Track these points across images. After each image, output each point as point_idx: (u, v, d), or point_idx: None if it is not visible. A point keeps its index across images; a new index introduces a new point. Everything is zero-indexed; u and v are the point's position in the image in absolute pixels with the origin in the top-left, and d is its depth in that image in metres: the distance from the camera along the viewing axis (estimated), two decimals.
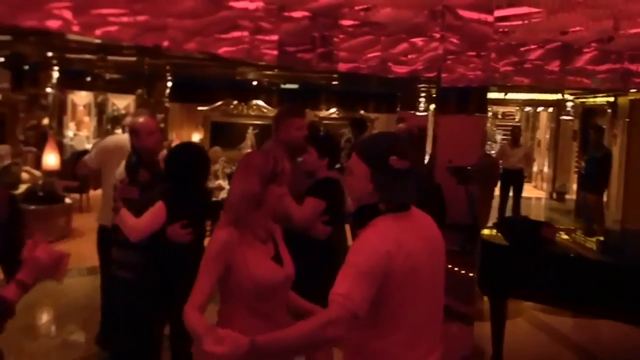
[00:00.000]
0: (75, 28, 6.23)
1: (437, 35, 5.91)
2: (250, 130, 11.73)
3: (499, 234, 4.70)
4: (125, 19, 6.08)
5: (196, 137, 12.36)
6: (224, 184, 9.33)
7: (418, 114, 12.01)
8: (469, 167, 4.81)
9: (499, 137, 17.75)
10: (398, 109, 12.50)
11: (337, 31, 6.36)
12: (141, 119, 3.71)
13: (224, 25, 6.30)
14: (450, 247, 4.71)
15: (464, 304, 4.66)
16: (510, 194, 10.09)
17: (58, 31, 7.05)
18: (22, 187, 8.11)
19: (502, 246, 4.49)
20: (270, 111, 11.84)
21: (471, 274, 4.67)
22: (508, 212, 10.04)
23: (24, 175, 8.74)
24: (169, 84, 11.91)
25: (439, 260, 2.04)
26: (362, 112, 12.49)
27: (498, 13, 5.22)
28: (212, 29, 6.59)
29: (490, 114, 18.48)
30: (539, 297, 4.44)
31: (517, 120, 18.54)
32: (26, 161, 9.72)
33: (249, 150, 11.41)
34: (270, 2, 4.90)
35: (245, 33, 6.77)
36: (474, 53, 5.06)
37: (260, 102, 11.95)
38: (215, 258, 2.20)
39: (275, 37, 6.73)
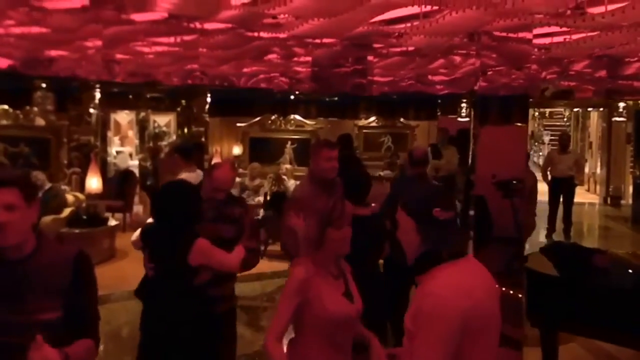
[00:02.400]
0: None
1: (474, 53, 5.72)
2: (288, 145, 11.71)
3: (547, 261, 4.50)
4: (160, 49, 6.15)
5: (236, 150, 12.42)
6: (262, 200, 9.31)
7: (460, 119, 11.70)
8: (514, 182, 4.65)
9: (546, 138, 17.08)
10: (438, 115, 12.20)
11: (371, 53, 6.22)
12: (221, 168, 3.80)
13: (255, 53, 6.27)
14: (497, 267, 4.64)
15: (512, 326, 4.47)
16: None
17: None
18: (67, 211, 8.29)
19: (551, 276, 4.30)
20: (308, 125, 11.78)
21: (520, 295, 4.49)
22: (558, 222, 9.68)
23: (69, 199, 8.95)
24: (208, 99, 12.00)
25: (497, 304, 2.05)
26: (402, 120, 12.27)
27: (538, 31, 4.96)
28: (244, 56, 6.58)
29: (536, 113, 17.87)
30: (593, 332, 4.22)
31: (565, 119, 17.87)
32: (71, 183, 9.96)
33: (287, 166, 11.38)
34: (302, 36, 4.81)
35: (278, 59, 6.73)
36: (513, 68, 4.86)
37: (298, 117, 11.89)
38: (293, 293, 2.41)
39: (308, 60, 6.67)
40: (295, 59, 6.65)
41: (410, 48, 5.72)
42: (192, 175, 4.61)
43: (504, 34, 4.72)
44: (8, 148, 9.98)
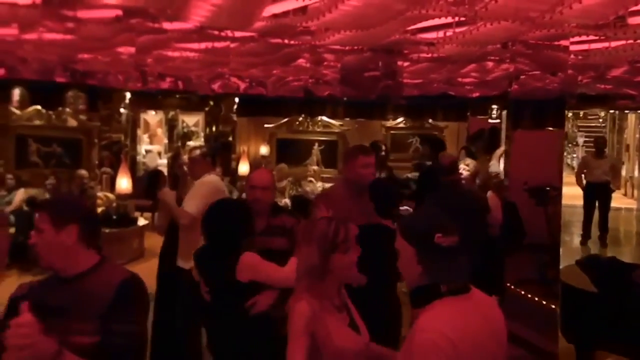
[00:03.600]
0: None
1: (508, 59, 5.61)
2: (315, 147, 11.67)
3: (583, 275, 4.38)
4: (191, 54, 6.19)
5: (263, 150, 12.46)
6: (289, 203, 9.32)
7: (490, 121, 11.48)
8: (548, 188, 4.53)
9: (580, 140, 16.58)
10: (468, 116, 11.98)
11: (401, 59, 6.15)
12: (258, 174, 3.72)
13: (284, 59, 6.26)
14: (530, 275, 4.53)
15: (546, 339, 4.37)
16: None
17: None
18: (98, 211, 8.42)
19: (588, 292, 4.17)
20: (335, 126, 11.72)
21: (553, 306, 4.39)
22: (594, 228, 9.45)
23: (99, 199, 9.09)
24: (237, 99, 12.05)
25: (501, 342, 1.91)
26: (430, 121, 12.13)
27: (576, 38, 4.82)
28: (273, 62, 6.57)
29: (570, 114, 17.44)
30: (632, 352, 4.05)
31: (600, 120, 17.39)
32: (102, 183, 10.10)
33: (315, 168, 11.37)
34: (332, 43, 4.78)
35: (307, 64, 6.70)
36: (548, 73, 4.73)
37: (325, 118, 11.84)
38: (303, 332, 2.15)
39: (336, 65, 6.62)
40: (325, 63, 6.62)
41: (442, 55, 5.64)
42: (215, 178, 4.56)
43: (539, 42, 4.61)
44: (41, 148, 10.16)
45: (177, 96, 12.06)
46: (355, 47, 5.91)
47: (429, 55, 5.74)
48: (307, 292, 2.22)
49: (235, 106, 12.23)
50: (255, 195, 3.47)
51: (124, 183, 8.65)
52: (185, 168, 5.04)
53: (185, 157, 5.95)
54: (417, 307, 1.83)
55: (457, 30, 4.15)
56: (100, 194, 9.37)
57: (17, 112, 10.92)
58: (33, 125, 10.33)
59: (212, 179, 4.44)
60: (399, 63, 6.36)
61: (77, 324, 2.02)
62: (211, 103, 12.27)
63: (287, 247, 3.32)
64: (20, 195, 8.48)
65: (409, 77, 7.52)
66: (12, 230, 8.01)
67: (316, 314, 2.17)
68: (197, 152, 4.55)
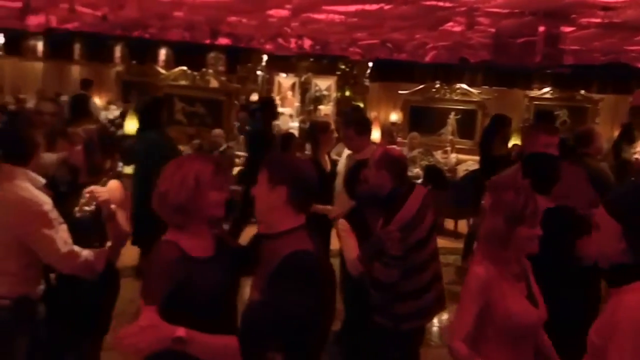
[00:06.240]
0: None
1: None
2: (452, 116, 11.10)
3: None
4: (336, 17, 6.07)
5: (394, 117, 12.17)
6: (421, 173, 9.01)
7: None
8: None
9: None
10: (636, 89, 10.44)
11: (567, 24, 5.58)
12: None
13: (434, 22, 5.93)
14: None
15: None
16: None
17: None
18: (235, 170, 8.71)
19: None
20: (475, 95, 11.06)
21: None
22: None
23: (237, 158, 9.39)
24: (370, 63, 11.81)
25: None
26: (582, 92, 10.96)
27: None
28: (421, 26, 6.26)
29: None
30: None
31: None
32: (239, 143, 10.44)
33: (450, 137, 10.89)
34: (491, 6, 4.40)
35: (458, 28, 6.31)
36: None
37: (464, 86, 11.22)
38: (476, 293, 2.21)
39: (490, 31, 6.17)
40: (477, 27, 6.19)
41: (617, 20, 5.02)
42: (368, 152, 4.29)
43: None
44: (185, 107, 10.66)
45: (311, 59, 12.05)
46: (515, 10, 5.45)
47: (601, 20, 5.14)
48: (487, 257, 2.25)
49: (369, 71, 12.00)
50: None
51: None
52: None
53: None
54: (616, 285, 1.80)
55: None
56: (239, 153, 9.68)
57: (164, 72, 11.54)
58: (179, 85, 10.86)
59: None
60: (562, 29, 5.78)
61: (257, 278, 2.10)
62: (342, 67, 12.13)
63: None
64: None
65: (568, 44, 6.85)
66: None
67: (492, 279, 2.21)
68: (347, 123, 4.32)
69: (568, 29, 5.89)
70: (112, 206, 2.85)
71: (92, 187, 2.86)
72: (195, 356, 1.84)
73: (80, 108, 9.04)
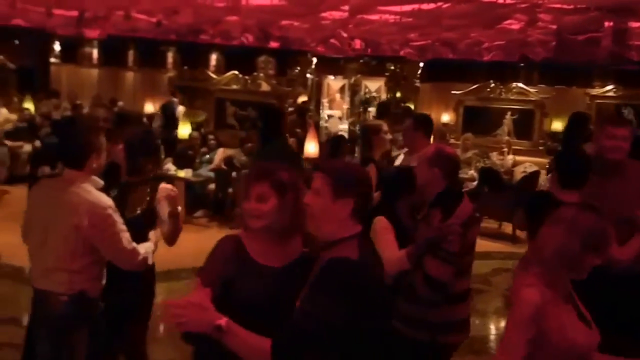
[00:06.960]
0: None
1: None
2: (508, 116, 10.76)
3: None
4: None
5: (445, 117, 11.94)
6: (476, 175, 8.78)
7: None
8: None
9: None
10: None
11: (634, 19, 5.30)
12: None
13: (492, 20, 5.74)
14: None
15: None
16: None
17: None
18: None
19: None
20: (532, 94, 10.70)
21: None
22: None
23: None
24: (421, 63, 11.62)
25: None
26: None
27: None
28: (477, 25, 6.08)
29: None
30: None
31: None
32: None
33: (506, 138, 10.57)
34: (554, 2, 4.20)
35: (516, 26, 6.10)
36: None
37: (521, 84, 10.86)
38: (529, 321, 2.01)
39: (552, 28, 5.94)
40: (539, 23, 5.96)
41: None
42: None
43: None
44: (237, 111, 10.78)
45: (361, 61, 11.96)
46: (579, 6, 5.21)
47: None
48: (545, 280, 2.06)
49: (420, 71, 11.81)
50: None
51: (311, 147, 8.79)
52: None
53: None
54: None
55: None
56: None
57: (215, 76, 11.69)
58: (230, 89, 10.97)
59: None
60: (631, 25, 5.49)
61: (305, 287, 2.01)
62: (392, 68, 11.99)
63: None
64: (220, 154, 9.04)
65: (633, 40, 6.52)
66: (212, 186, 8.61)
67: (547, 304, 2.02)
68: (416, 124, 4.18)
69: (635, 24, 5.60)
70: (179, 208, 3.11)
71: (168, 186, 3.13)
72: (230, 349, 1.85)
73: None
